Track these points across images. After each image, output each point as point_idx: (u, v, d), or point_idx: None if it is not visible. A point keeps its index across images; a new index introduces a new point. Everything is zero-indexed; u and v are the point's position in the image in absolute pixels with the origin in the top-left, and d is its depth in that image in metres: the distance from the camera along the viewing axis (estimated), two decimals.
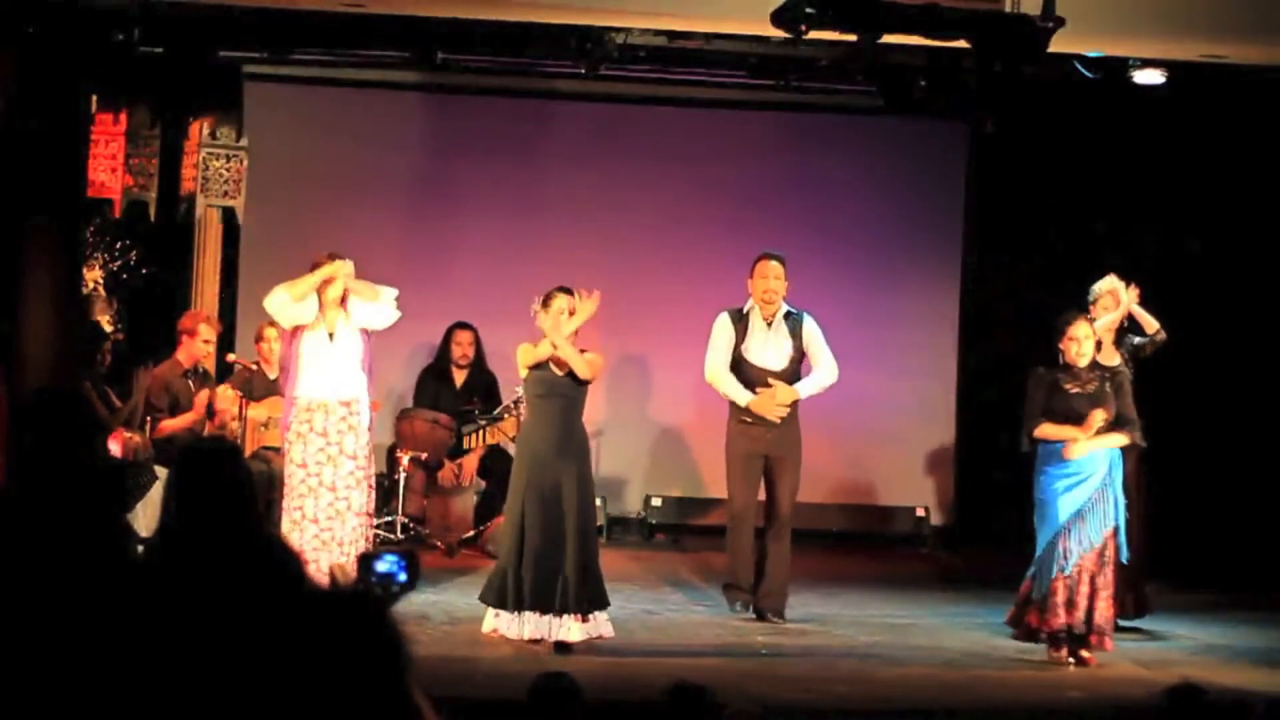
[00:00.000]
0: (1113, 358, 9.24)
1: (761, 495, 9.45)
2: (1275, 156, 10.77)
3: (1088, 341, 8.38)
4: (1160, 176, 11.59)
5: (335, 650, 3.51)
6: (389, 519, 11.09)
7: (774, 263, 9.38)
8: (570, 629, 8.04)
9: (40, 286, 9.51)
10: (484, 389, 11.57)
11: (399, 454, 11.22)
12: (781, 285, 9.36)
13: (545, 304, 8.33)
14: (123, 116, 11.75)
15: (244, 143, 12.17)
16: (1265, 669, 8.20)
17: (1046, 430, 8.31)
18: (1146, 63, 9.65)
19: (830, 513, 12.71)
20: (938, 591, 10.67)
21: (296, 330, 8.84)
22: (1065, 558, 8.21)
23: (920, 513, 12.62)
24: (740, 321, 9.37)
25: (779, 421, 9.25)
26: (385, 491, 11.45)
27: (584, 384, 8.33)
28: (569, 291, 8.36)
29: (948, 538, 12.58)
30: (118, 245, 12.07)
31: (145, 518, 8.60)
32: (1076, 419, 8.29)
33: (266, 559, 4.01)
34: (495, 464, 11.26)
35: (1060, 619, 8.21)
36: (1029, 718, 7.41)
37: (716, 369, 9.36)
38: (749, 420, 9.27)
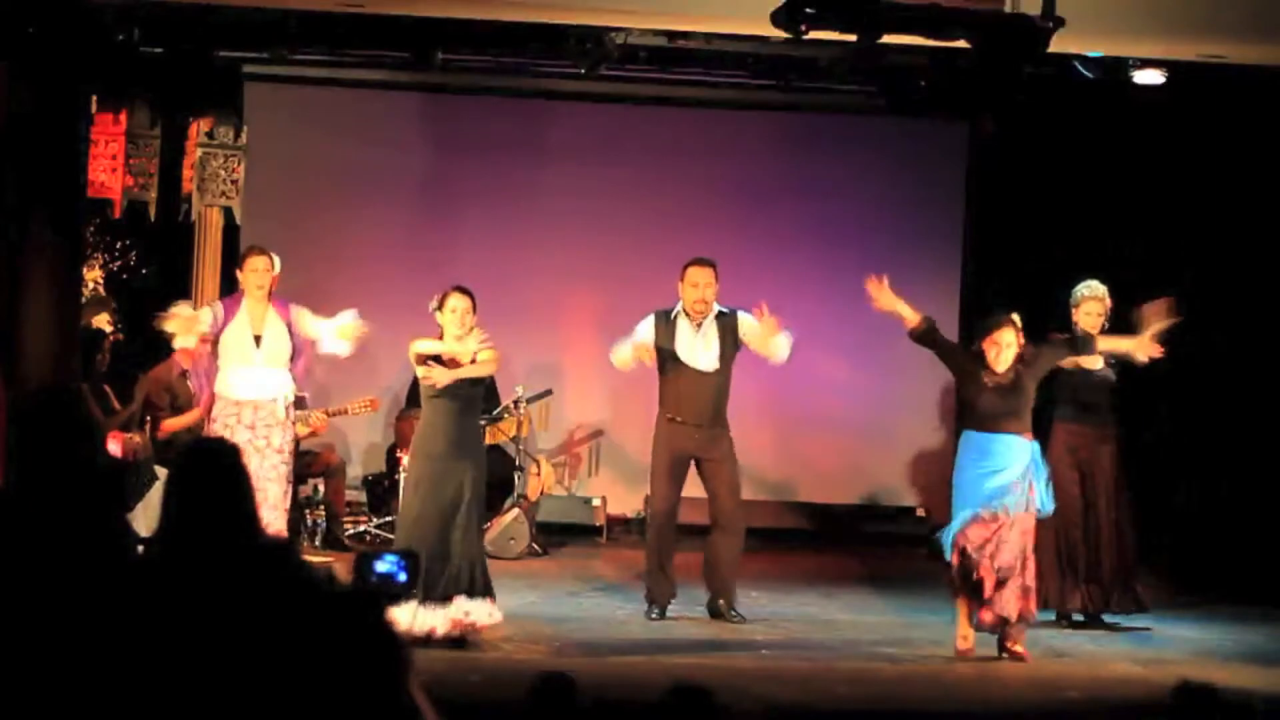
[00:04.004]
0: (1096, 361, 9.26)
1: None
2: (1275, 157, 10.77)
3: (1009, 350, 8.36)
4: (1160, 176, 11.58)
5: (335, 650, 3.51)
6: (389, 519, 11.10)
7: (704, 270, 9.26)
8: (442, 617, 8.01)
9: (40, 286, 9.51)
10: (482, 389, 11.56)
11: (399, 454, 11.22)
12: (712, 293, 9.24)
13: (440, 304, 8.36)
14: (123, 116, 11.75)
15: (242, 142, 12.17)
16: (1265, 669, 8.19)
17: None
18: (1146, 63, 9.65)
19: (829, 513, 12.71)
20: (938, 591, 10.65)
21: (229, 307, 9.02)
22: (977, 542, 8.21)
23: (920, 513, 12.62)
24: (668, 324, 9.28)
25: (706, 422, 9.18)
26: (385, 491, 11.46)
27: (480, 383, 8.38)
28: (465, 291, 8.39)
29: None
30: (118, 245, 12.07)
31: (145, 518, 8.59)
32: (985, 417, 8.34)
33: (266, 559, 4.01)
34: (495, 464, 11.25)
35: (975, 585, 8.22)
36: (1029, 718, 7.40)
37: (618, 350, 9.30)
38: (677, 420, 9.20)
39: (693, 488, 9.44)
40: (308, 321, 9.11)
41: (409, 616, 7.88)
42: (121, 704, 3.81)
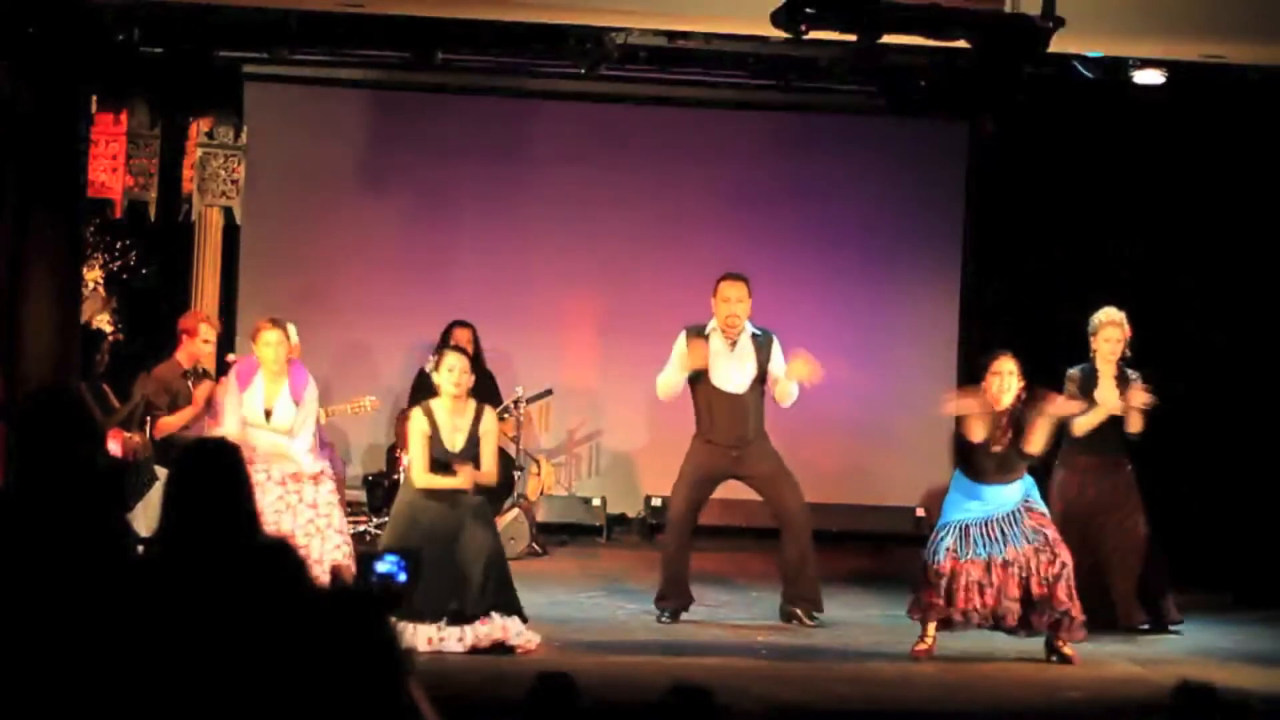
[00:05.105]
0: (1112, 395, 9.19)
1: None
2: (1275, 157, 10.77)
3: (1010, 377, 8.29)
4: (1160, 176, 11.59)
5: (334, 650, 3.51)
6: (389, 519, 11.09)
7: (736, 285, 9.09)
8: (479, 633, 8.00)
9: (41, 286, 9.51)
10: (483, 388, 11.57)
11: (399, 454, 11.20)
12: (745, 308, 9.07)
13: (437, 365, 8.30)
14: (123, 116, 11.75)
15: (242, 142, 12.18)
16: (1265, 669, 8.20)
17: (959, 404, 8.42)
18: (1146, 63, 9.65)
19: (830, 512, 12.69)
20: None
21: (243, 376, 8.74)
22: (963, 545, 8.23)
23: (920, 513, 12.61)
24: (700, 341, 9.10)
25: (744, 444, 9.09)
26: (385, 491, 11.45)
27: (478, 449, 8.19)
28: (463, 351, 8.39)
29: None
30: (118, 245, 12.07)
31: (145, 518, 8.58)
32: (978, 471, 8.30)
33: (267, 559, 4.01)
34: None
35: (982, 599, 8.21)
36: (1029, 718, 7.40)
37: (661, 381, 9.17)
38: (713, 441, 9.10)
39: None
40: (307, 406, 8.77)
41: (423, 638, 7.91)
42: (122, 704, 3.81)
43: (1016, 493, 8.32)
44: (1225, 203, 11.29)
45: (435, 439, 8.18)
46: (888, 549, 12.24)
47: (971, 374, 12.60)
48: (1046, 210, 12.25)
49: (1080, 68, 9.72)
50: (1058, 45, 8.34)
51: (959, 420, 8.40)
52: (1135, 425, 9.11)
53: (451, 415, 8.21)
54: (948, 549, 8.26)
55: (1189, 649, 8.86)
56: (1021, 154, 12.33)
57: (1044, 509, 8.36)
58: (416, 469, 8.22)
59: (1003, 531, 8.25)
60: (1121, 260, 11.45)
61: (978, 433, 8.27)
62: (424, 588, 7.76)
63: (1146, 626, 9.15)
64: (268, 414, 8.69)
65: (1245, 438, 11.12)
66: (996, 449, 8.31)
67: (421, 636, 7.90)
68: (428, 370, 8.40)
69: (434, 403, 8.25)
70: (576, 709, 4.04)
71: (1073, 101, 11.15)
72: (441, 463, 8.19)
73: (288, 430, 8.68)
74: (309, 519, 8.54)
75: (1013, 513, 8.28)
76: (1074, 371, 9.23)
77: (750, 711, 6.72)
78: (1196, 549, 10.72)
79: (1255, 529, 10.81)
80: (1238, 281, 11.30)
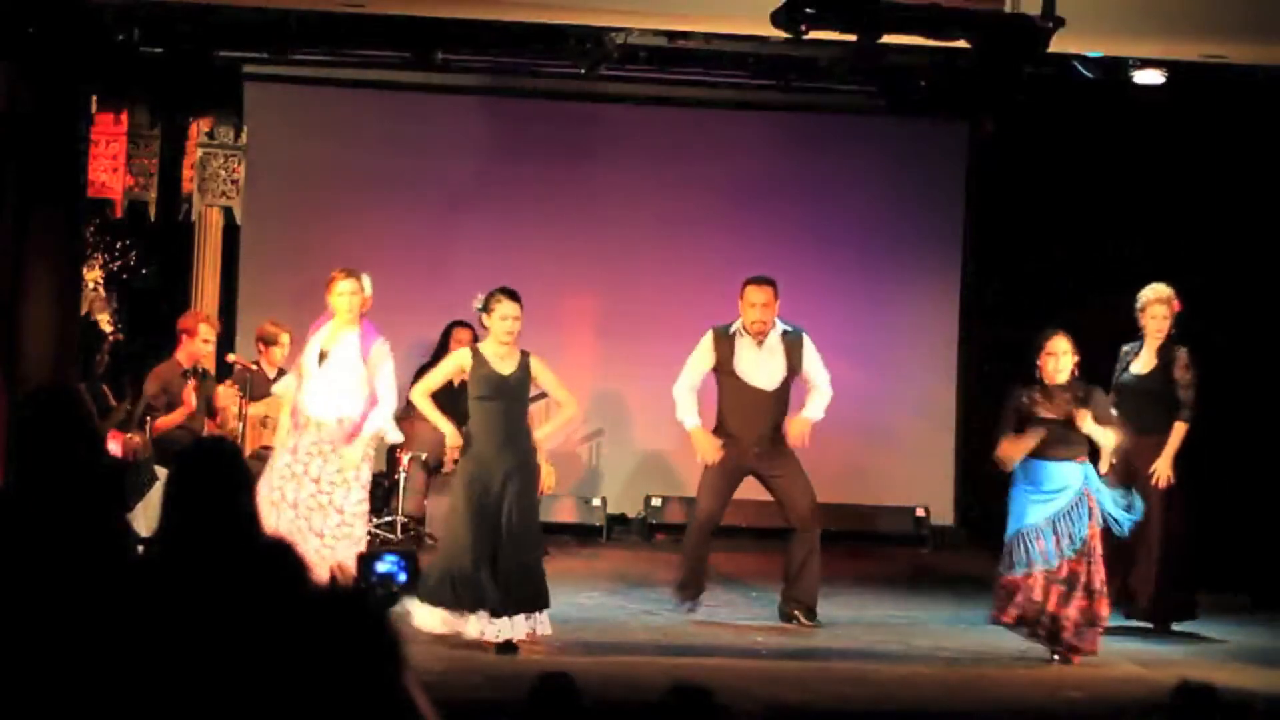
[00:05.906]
0: (1150, 365, 9.20)
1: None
2: (1275, 157, 10.77)
3: (1065, 357, 8.30)
4: (1160, 176, 11.58)
5: (333, 650, 3.51)
6: (389, 519, 11.11)
7: (763, 289, 9.13)
8: (511, 628, 8.07)
9: (41, 286, 9.51)
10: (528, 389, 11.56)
11: (399, 454, 11.21)
12: (771, 312, 9.12)
13: (487, 306, 8.28)
14: (123, 116, 11.75)
15: (242, 142, 12.18)
16: (1265, 669, 8.20)
17: (1006, 450, 8.36)
18: (1146, 63, 9.65)
19: (829, 512, 12.67)
20: (938, 591, 10.67)
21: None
22: (1038, 555, 8.22)
23: (920, 513, 12.62)
24: (726, 341, 9.18)
25: (759, 444, 9.12)
26: (385, 491, 11.46)
27: (529, 384, 8.34)
28: (514, 297, 8.29)
29: (948, 538, 12.58)
30: (118, 245, 12.07)
31: (145, 518, 8.58)
32: (1040, 444, 8.29)
33: (266, 559, 4.01)
34: None
35: (1035, 609, 8.22)
36: (1029, 718, 7.41)
37: (681, 388, 9.24)
38: (735, 437, 9.15)
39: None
40: (379, 372, 8.65)
41: (456, 623, 7.95)
42: (121, 703, 3.81)
43: (1078, 475, 8.28)
44: (1226, 203, 11.29)
45: (485, 366, 8.24)
46: (888, 549, 12.24)
47: (978, 369, 12.67)
48: (1046, 210, 12.25)
49: (1080, 68, 9.71)
50: (1058, 45, 8.34)
51: (1013, 395, 8.37)
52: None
53: (499, 352, 8.30)
54: (1024, 566, 8.26)
55: (1189, 649, 8.86)
56: (1021, 154, 12.34)
57: (1101, 515, 8.31)
58: (420, 385, 8.40)
59: (1066, 536, 8.22)
60: (1121, 260, 11.43)
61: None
62: (460, 577, 7.97)
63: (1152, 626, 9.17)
64: (322, 356, 8.59)
65: (1247, 437, 11.10)
66: (1050, 415, 8.26)
67: (444, 626, 7.95)
68: (476, 308, 8.36)
69: (481, 344, 8.40)
70: (576, 709, 4.04)
71: (1073, 101, 11.15)
72: (488, 396, 8.23)
73: (344, 382, 8.57)
74: (311, 493, 8.48)
75: (1074, 507, 8.24)
76: (1125, 348, 9.35)
77: (750, 711, 6.72)
78: (1200, 549, 10.72)
79: (1256, 529, 10.80)
80: (1239, 282, 11.29)
